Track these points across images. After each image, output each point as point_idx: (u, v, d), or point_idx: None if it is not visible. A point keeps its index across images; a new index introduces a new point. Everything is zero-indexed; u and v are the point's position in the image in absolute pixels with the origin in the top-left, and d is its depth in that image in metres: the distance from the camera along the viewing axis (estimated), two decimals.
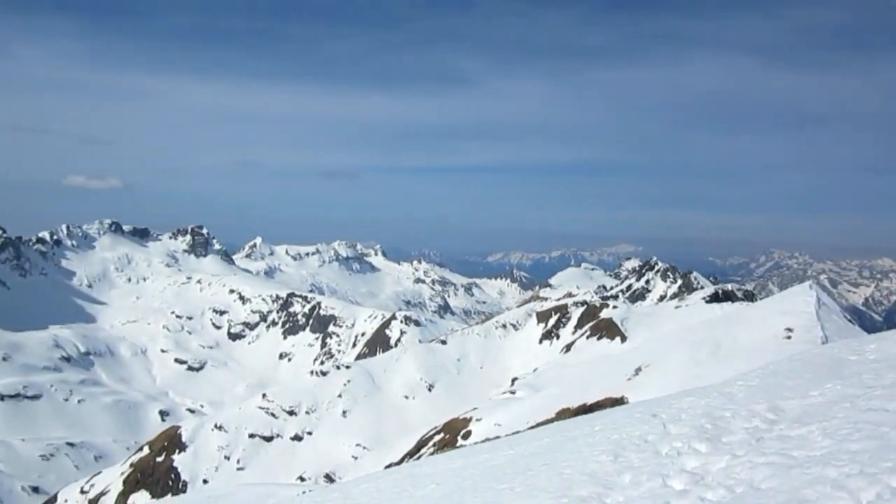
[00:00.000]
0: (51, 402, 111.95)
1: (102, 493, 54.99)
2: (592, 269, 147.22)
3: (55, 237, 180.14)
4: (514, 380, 51.67)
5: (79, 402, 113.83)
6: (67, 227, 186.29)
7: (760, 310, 35.02)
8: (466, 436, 37.71)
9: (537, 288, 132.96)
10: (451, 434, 39.67)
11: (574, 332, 68.02)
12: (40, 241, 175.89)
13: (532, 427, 24.57)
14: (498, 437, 21.33)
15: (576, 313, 72.25)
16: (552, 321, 74.43)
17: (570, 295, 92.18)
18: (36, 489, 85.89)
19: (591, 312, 68.63)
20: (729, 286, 77.76)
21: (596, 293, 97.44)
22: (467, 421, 40.09)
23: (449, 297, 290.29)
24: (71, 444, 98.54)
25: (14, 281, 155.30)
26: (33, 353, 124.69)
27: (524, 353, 71.52)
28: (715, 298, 59.59)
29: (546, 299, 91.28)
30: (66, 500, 57.44)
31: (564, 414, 28.52)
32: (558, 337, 71.27)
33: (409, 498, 9.97)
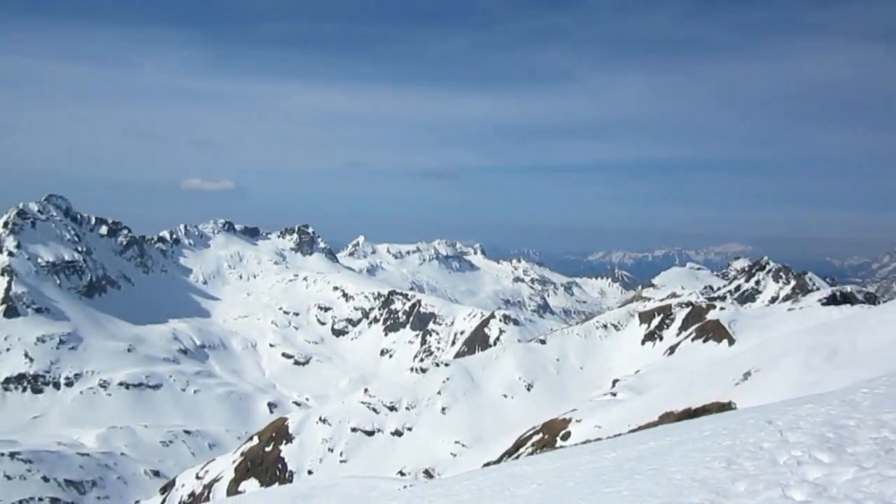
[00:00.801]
0: (170, 391, 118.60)
1: (216, 480, 57.63)
2: (698, 269, 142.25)
3: (174, 236, 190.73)
4: (614, 381, 50.54)
5: (195, 392, 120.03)
6: (185, 227, 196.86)
7: (884, 313, 32.70)
8: (566, 437, 37.16)
9: (640, 288, 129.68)
10: (550, 434, 39.19)
11: (678, 334, 65.83)
12: (161, 240, 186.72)
13: (634, 430, 23.91)
14: (599, 440, 20.86)
15: (680, 314, 69.90)
16: (655, 322, 72.33)
17: (674, 295, 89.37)
18: (157, 473, 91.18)
19: (696, 314, 66.21)
20: (848, 288, 73.18)
21: (702, 294, 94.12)
22: (566, 422, 39.49)
23: (548, 296, 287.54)
24: (188, 432, 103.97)
25: (138, 277, 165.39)
26: (154, 345, 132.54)
27: (625, 355, 69.83)
28: (832, 301, 56.15)
29: (649, 299, 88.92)
30: (183, 485, 60.55)
31: (668, 418, 27.61)
32: (661, 338, 69.16)
33: (511, 497, 9.85)
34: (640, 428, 23.83)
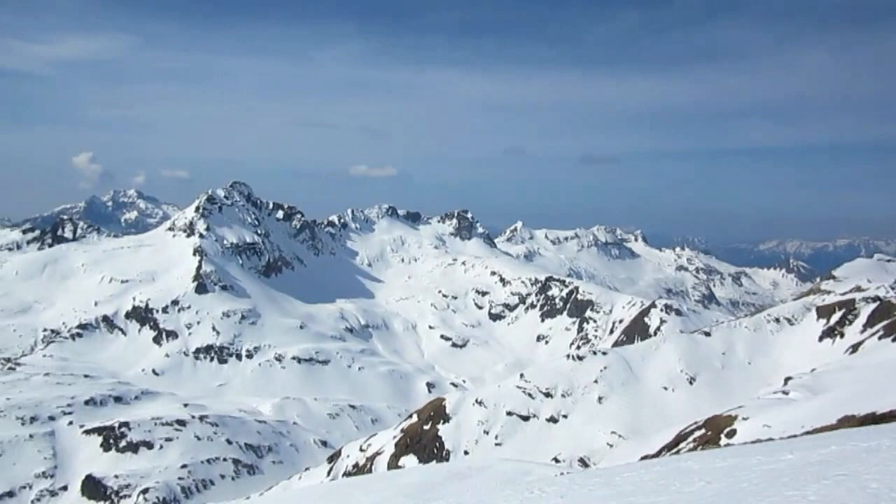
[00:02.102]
0: (337, 367, 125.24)
1: (378, 453, 60.08)
2: (888, 261, 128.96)
3: (342, 220, 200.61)
4: (787, 379, 47.00)
5: (359, 369, 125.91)
6: (352, 212, 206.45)
7: None
8: (731, 434, 35.04)
9: (818, 280, 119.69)
10: (714, 431, 37.13)
11: (862, 332, 60.12)
12: (330, 224, 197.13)
13: (808, 433, 22.02)
14: (771, 440, 19.37)
15: (865, 310, 63.76)
16: (835, 317, 66.49)
17: (858, 289, 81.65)
18: (325, 443, 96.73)
19: (885, 310, 60.11)
20: None
21: (892, 288, 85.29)
22: (732, 419, 37.23)
23: (714, 286, 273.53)
24: (353, 406, 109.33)
25: (309, 259, 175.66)
26: (324, 323, 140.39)
27: (800, 351, 64.81)
28: None
29: (828, 293, 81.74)
30: (348, 455, 63.71)
31: (848, 422, 25.17)
32: (842, 335, 63.49)
33: (678, 493, 9.26)
34: (815, 431, 21.91)
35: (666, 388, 63.58)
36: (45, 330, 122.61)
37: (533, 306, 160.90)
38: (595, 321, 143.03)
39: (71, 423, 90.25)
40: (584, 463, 53.26)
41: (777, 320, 71.41)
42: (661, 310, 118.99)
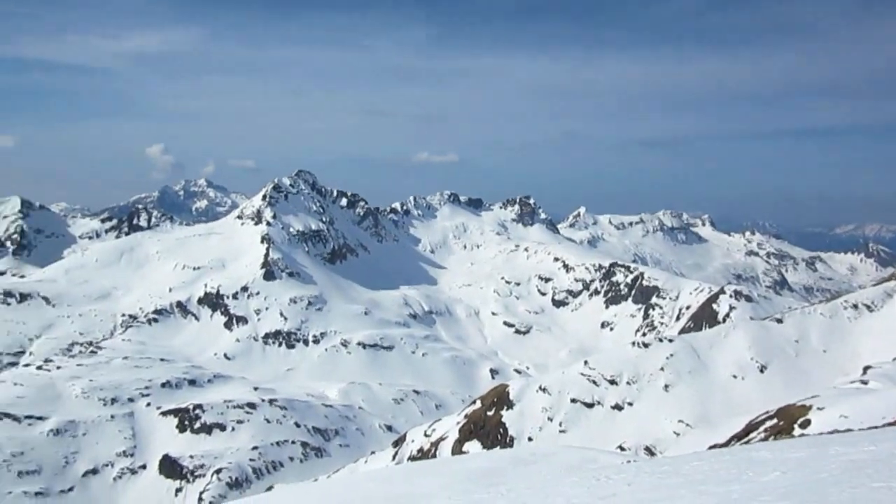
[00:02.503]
0: (401, 353, 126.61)
1: (442, 438, 60.55)
2: None
3: (405, 207, 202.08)
4: (866, 368, 45.24)
5: (423, 355, 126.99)
6: (414, 199, 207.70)
7: None
8: (804, 425, 33.95)
9: None
10: (787, 421, 36.05)
11: None
12: (393, 211, 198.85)
13: (890, 424, 21.14)
14: (849, 431, 18.67)
15: None
16: None
17: None
18: (389, 427, 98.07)
19: None
20: None
21: None
22: (806, 409, 36.07)
23: (786, 271, 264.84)
24: (417, 392, 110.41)
25: (373, 246, 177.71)
26: (388, 309, 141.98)
27: (880, 339, 62.15)
28: None
29: None
30: (412, 440, 64.42)
31: None
32: None
33: (751, 482, 9.01)
34: None
35: (735, 377, 62.00)
36: (123, 315, 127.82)
37: (597, 293, 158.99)
38: (661, 308, 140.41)
39: (149, 404, 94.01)
40: (650, 451, 52.51)
41: (855, 306, 68.62)
42: (731, 296, 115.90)
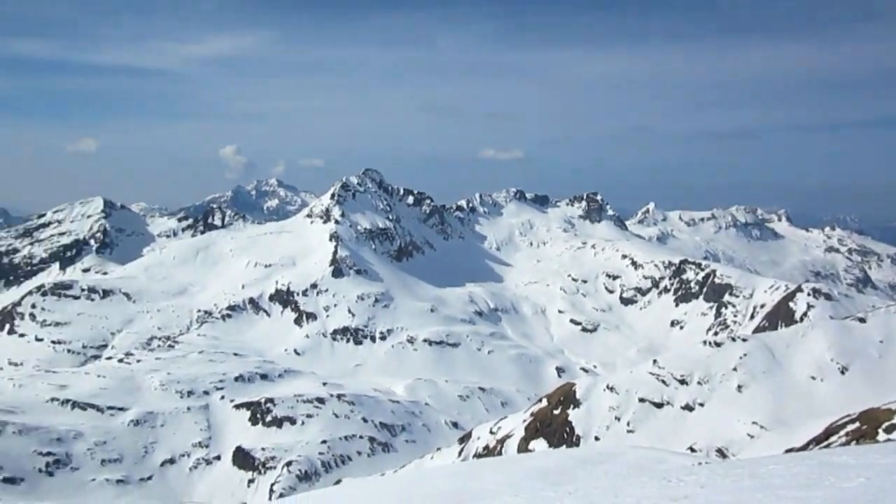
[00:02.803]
0: (466, 350, 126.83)
1: (508, 436, 60.40)
2: None
3: (470, 205, 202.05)
4: None
5: (489, 352, 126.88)
6: (480, 196, 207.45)
7: None
8: (890, 430, 32.40)
9: None
10: (871, 425, 34.46)
11: None
12: (459, 208, 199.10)
13: None
14: None
15: None
16: None
17: None
18: (455, 424, 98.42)
19: None
20: None
21: None
22: (892, 413, 34.42)
23: (870, 269, 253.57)
24: (482, 389, 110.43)
25: (439, 243, 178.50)
26: (453, 306, 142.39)
27: None
28: None
29: None
30: (478, 437, 64.48)
31: None
32: None
33: (833, 488, 8.64)
34: None
35: (814, 378, 59.69)
36: (198, 311, 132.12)
37: (666, 290, 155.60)
38: (734, 306, 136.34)
39: (223, 397, 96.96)
40: (721, 453, 51.09)
41: None
42: (809, 294, 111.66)
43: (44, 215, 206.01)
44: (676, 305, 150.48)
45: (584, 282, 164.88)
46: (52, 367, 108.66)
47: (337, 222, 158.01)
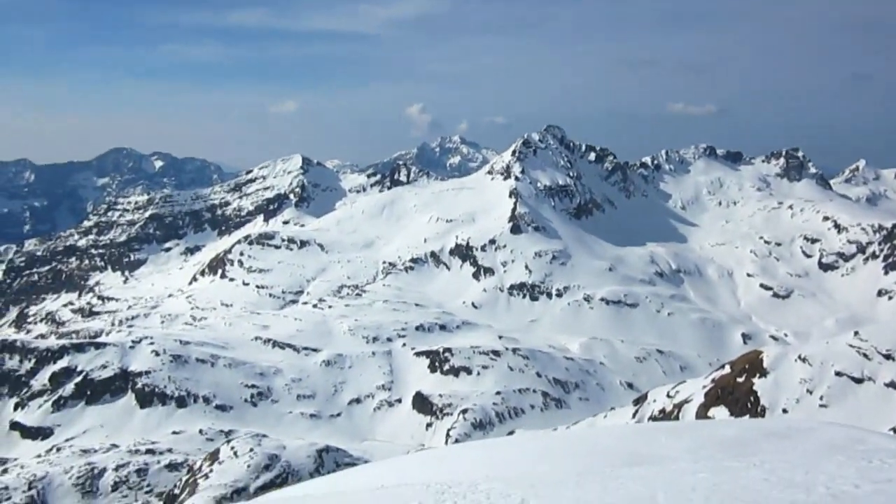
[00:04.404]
0: (644, 311, 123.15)
1: (685, 401, 58.15)
2: None
3: (655, 162, 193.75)
4: None
5: (668, 314, 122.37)
6: (666, 153, 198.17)
7: None
8: None
9: None
10: None
11: None
12: (643, 165, 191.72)
13: None
14: None
15: None
16: None
17: None
18: (630, 385, 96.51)
19: None
20: None
21: None
22: None
23: None
24: (660, 352, 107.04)
25: (620, 201, 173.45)
26: (632, 266, 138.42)
27: None
28: None
29: None
30: (654, 400, 62.70)
31: None
32: None
33: None
34: None
35: None
36: (384, 262, 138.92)
37: (874, 256, 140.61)
38: None
39: (404, 344, 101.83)
40: None
41: None
42: None
43: (251, 171, 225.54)
44: (885, 273, 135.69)
45: (778, 245, 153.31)
46: (256, 310, 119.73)
47: (517, 179, 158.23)
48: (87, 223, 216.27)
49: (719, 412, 54.88)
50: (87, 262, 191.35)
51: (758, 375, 57.88)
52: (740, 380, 57.97)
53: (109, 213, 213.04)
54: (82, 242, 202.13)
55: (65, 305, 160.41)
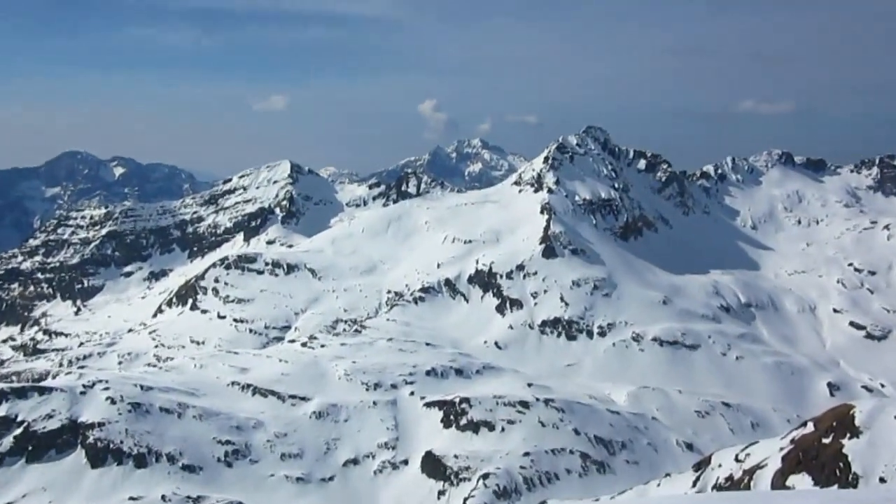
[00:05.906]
0: (708, 354, 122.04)
1: (759, 466, 57.31)
2: None
3: (719, 171, 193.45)
4: None
5: (737, 358, 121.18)
6: (733, 160, 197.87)
7: None
8: None
9: None
10: None
11: None
12: (704, 175, 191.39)
13: None
14: None
15: None
16: None
17: None
18: (689, 445, 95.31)
19: None
20: None
21: None
22: None
23: None
24: (727, 405, 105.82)
25: (676, 219, 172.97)
26: (692, 298, 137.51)
27: None
28: None
29: None
30: (719, 465, 61.84)
31: None
32: None
33: None
34: None
35: None
36: (388, 291, 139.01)
37: None
38: None
39: (412, 393, 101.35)
40: None
41: None
42: None
43: (229, 181, 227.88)
44: None
45: (872, 273, 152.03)
46: (233, 348, 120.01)
47: (550, 191, 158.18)
48: (32, 241, 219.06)
49: (800, 481, 54.07)
50: (31, 288, 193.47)
51: (848, 436, 57.05)
52: (826, 440, 57.17)
53: (60, 230, 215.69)
54: (27, 265, 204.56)
55: (4, 341, 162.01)
